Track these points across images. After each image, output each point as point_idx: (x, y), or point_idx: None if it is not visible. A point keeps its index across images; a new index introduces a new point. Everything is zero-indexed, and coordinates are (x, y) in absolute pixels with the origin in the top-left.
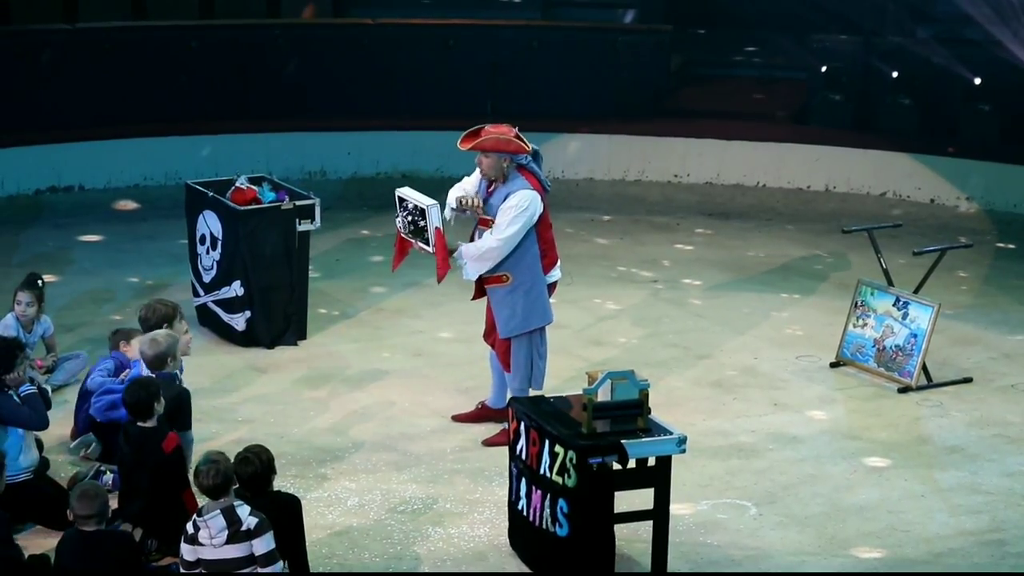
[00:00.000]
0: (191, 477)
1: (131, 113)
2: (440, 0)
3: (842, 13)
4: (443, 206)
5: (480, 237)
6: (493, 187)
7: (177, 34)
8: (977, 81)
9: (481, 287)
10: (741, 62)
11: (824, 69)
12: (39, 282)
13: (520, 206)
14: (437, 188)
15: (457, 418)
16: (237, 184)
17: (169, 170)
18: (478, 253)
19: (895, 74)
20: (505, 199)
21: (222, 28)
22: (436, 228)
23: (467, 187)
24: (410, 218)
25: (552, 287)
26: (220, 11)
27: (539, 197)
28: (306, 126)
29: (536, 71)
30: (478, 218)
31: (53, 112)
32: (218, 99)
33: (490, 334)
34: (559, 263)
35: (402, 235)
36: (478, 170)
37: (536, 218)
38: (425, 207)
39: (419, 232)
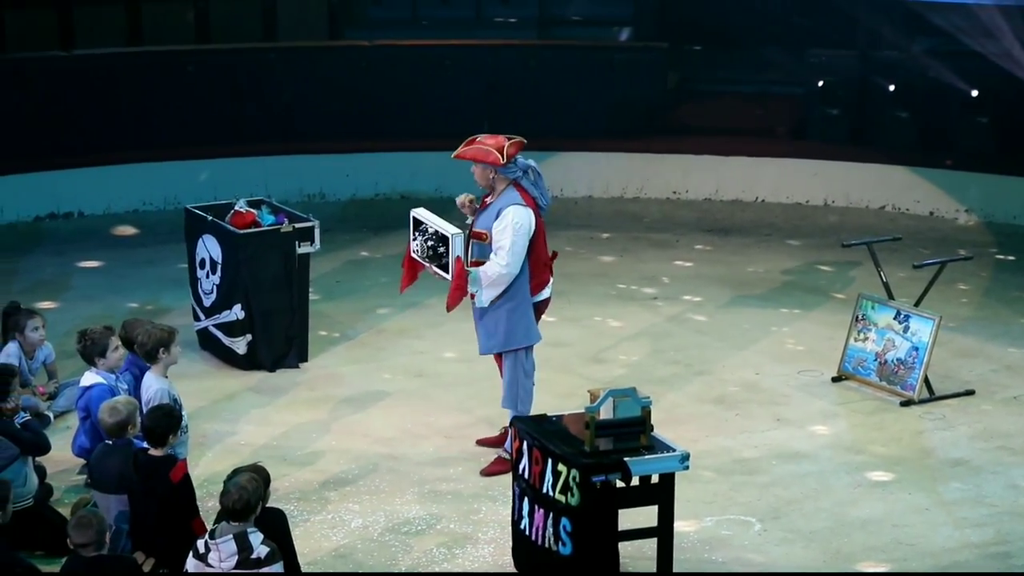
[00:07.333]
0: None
1: (129, 138)
2: (436, 21)
3: (838, 27)
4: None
5: (472, 250)
6: (488, 200)
7: (173, 59)
8: (974, 93)
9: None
10: (738, 78)
11: (821, 84)
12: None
13: (514, 224)
14: (437, 209)
15: (481, 442)
16: (236, 208)
17: (168, 195)
18: (489, 281)
19: (892, 87)
20: (498, 216)
21: (218, 52)
22: (457, 257)
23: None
24: (430, 243)
25: (544, 304)
26: (216, 35)
27: (531, 212)
28: (304, 148)
29: (533, 90)
30: (470, 231)
31: (51, 139)
32: (215, 123)
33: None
34: (551, 282)
35: (415, 257)
36: None
37: (532, 233)
38: (449, 236)
39: (436, 257)
